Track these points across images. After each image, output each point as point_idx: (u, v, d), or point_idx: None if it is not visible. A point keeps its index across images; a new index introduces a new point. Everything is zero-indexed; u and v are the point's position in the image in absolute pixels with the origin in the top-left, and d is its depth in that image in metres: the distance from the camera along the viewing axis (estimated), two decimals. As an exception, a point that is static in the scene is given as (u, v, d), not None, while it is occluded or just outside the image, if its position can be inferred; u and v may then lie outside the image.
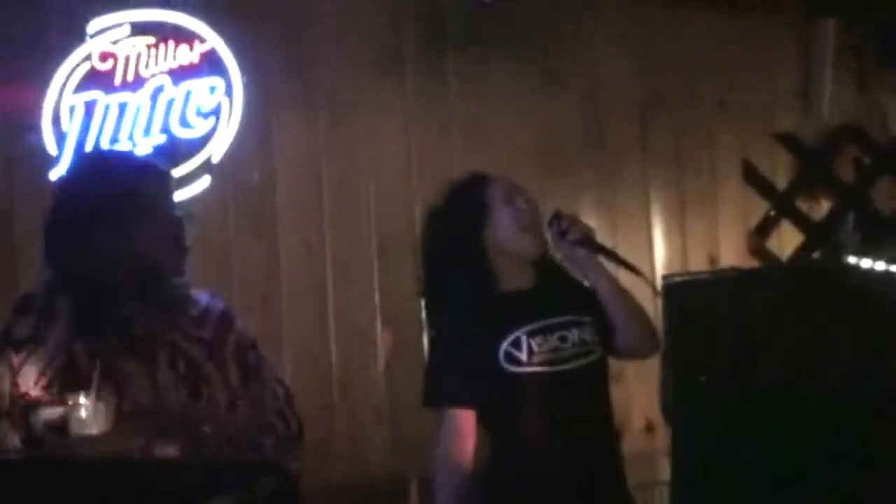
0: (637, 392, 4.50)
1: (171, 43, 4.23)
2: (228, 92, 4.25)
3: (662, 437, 4.20)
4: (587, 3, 4.92)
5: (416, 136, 4.60)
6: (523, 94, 4.80)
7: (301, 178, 4.44)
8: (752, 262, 5.08)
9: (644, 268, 3.32)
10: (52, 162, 4.08)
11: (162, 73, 4.21)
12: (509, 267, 3.08)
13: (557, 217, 3.05)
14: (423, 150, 4.59)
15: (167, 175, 2.89)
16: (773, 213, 5.23)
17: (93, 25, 4.18)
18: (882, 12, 5.31)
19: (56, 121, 4.12)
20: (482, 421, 3.01)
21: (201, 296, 2.82)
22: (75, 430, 2.52)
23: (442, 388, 3.02)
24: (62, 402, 2.56)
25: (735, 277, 3.68)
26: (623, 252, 3.16)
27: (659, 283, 3.50)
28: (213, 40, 4.25)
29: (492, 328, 3.00)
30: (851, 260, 4.42)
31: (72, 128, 4.12)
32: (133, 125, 4.16)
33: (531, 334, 2.99)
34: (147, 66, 4.21)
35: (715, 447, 2.90)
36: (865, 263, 4.01)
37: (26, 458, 2.50)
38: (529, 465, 2.98)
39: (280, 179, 4.40)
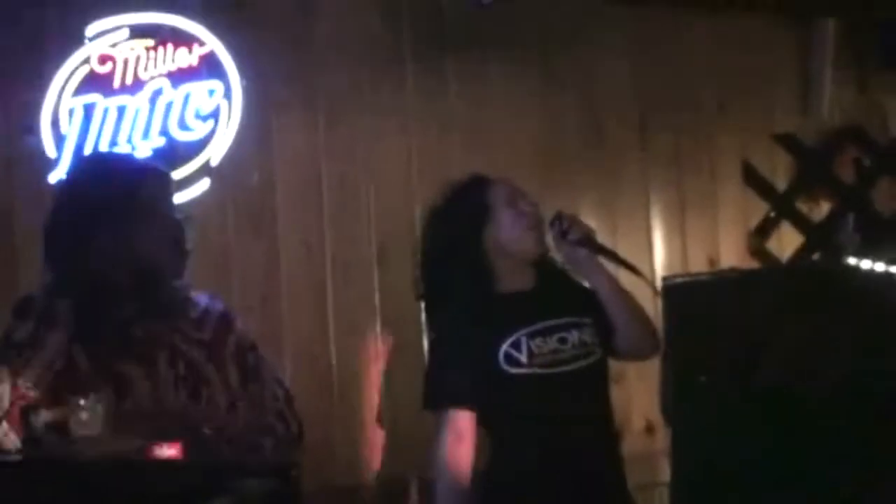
0: (637, 393, 4.49)
1: (170, 46, 4.22)
2: (227, 95, 4.25)
3: (663, 438, 4.20)
4: (587, 4, 4.91)
5: (416, 136, 4.60)
6: (523, 96, 4.80)
7: (301, 179, 4.43)
8: (752, 264, 5.06)
9: (644, 269, 3.32)
10: (51, 164, 4.08)
11: (161, 75, 4.21)
12: (509, 268, 3.08)
13: (559, 218, 3.06)
14: (423, 151, 4.59)
15: (167, 177, 2.90)
16: (772, 214, 5.22)
17: (91, 28, 4.17)
18: (882, 12, 5.28)
19: (55, 123, 4.12)
20: (482, 422, 3.01)
21: (201, 298, 2.82)
22: (75, 431, 2.52)
23: (442, 390, 3.02)
24: (62, 404, 2.56)
25: (735, 278, 3.69)
26: (623, 253, 3.16)
27: (659, 284, 3.51)
28: (211, 43, 4.25)
29: (492, 330, 3.00)
30: (851, 261, 4.41)
31: (71, 130, 4.12)
32: (132, 128, 4.16)
33: (531, 336, 2.99)
34: (146, 69, 4.20)
35: (715, 447, 2.91)
36: (865, 264, 4.01)
37: (26, 458, 2.50)
38: (529, 467, 2.98)
39: (280, 180, 4.40)
